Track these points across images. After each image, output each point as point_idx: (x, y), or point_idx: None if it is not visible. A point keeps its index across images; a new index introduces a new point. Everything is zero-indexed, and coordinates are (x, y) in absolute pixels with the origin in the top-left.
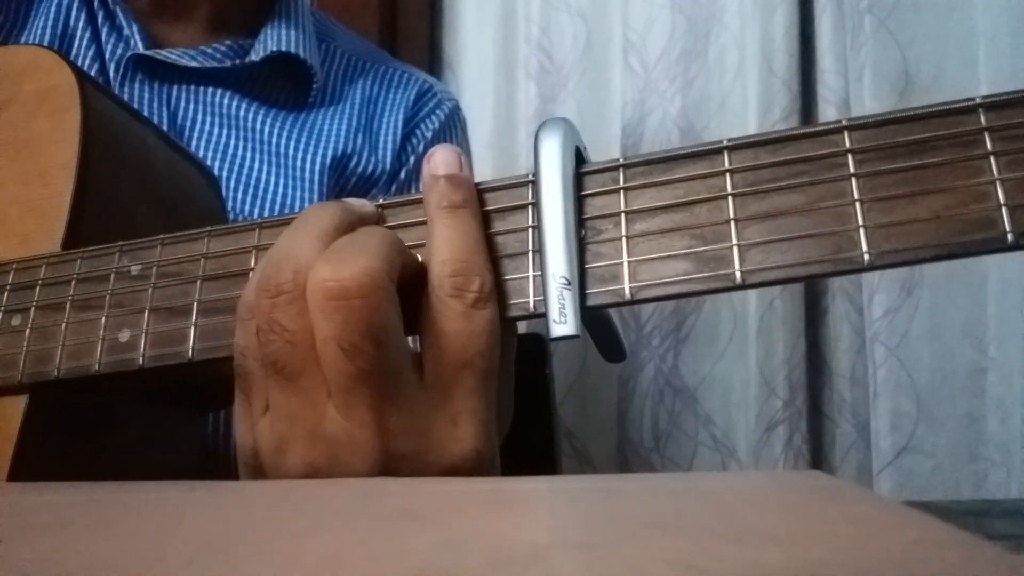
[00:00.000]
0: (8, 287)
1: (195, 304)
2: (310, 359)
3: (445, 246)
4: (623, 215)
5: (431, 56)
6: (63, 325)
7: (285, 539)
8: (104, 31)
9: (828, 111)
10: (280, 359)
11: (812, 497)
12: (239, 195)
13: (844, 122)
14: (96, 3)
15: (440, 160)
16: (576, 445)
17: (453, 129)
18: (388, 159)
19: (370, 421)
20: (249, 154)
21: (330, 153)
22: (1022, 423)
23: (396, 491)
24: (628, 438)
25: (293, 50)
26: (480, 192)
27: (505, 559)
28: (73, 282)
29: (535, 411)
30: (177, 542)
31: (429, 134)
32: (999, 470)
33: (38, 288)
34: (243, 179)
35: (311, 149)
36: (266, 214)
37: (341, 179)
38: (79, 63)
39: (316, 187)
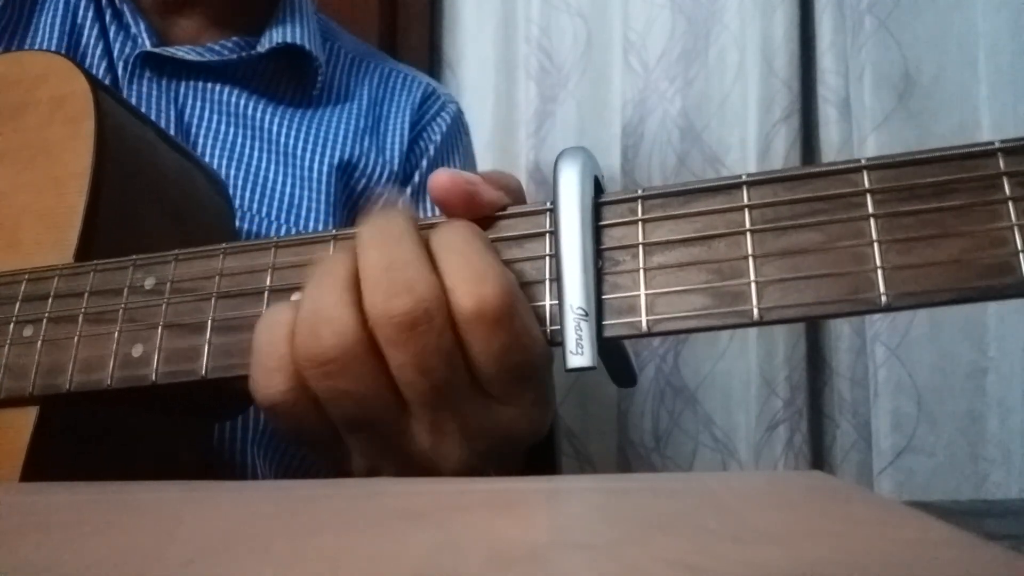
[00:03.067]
0: (20, 297)
1: (209, 322)
2: (379, 402)
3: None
4: (641, 247)
5: (431, 56)
6: (75, 338)
7: (285, 539)
8: (112, 29)
9: (828, 111)
10: (351, 419)
11: (812, 497)
12: (247, 193)
13: (863, 161)
14: (104, 0)
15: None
16: (576, 445)
17: (459, 133)
18: (395, 161)
19: (455, 429)
20: (257, 152)
21: (338, 155)
22: (1022, 423)
23: (396, 491)
24: (628, 438)
25: (298, 42)
26: (498, 218)
27: (505, 559)
28: (86, 295)
29: None
30: (176, 542)
31: (437, 138)
32: (999, 470)
33: (51, 299)
34: (251, 177)
35: (318, 150)
36: (274, 213)
37: (351, 181)
38: (88, 61)
39: (324, 188)
